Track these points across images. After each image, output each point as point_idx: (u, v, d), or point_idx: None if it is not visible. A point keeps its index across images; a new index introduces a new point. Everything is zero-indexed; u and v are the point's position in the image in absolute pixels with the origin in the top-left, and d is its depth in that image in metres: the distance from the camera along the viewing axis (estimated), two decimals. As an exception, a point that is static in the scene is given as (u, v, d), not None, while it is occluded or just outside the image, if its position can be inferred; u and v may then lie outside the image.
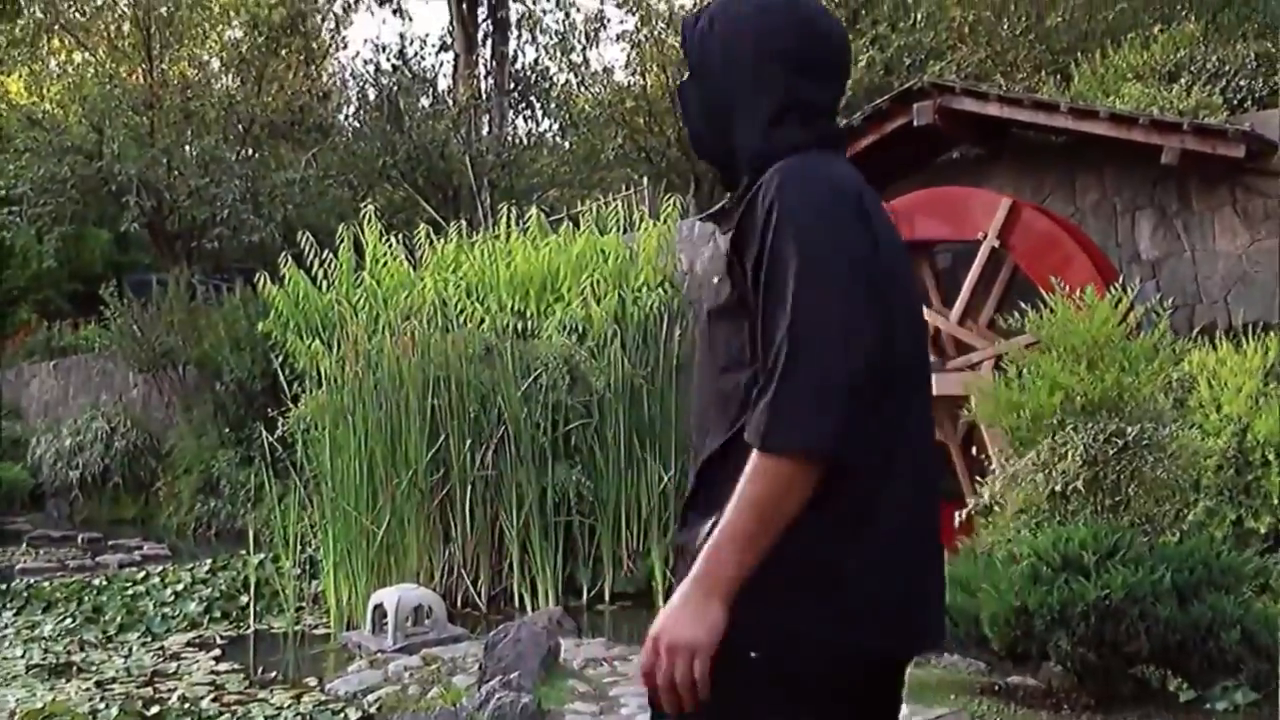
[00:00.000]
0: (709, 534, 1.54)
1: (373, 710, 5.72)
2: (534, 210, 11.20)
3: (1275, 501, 4.78)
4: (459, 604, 8.50)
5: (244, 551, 9.30)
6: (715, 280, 1.70)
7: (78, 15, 20.41)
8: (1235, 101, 8.26)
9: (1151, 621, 4.31)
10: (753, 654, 1.51)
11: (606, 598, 8.82)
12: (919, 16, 15.11)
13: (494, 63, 21.95)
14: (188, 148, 18.78)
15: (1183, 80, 8.38)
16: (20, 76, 21.22)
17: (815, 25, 1.69)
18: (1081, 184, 8.00)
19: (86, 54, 20.48)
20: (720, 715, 1.53)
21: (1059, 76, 10.84)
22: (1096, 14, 13.14)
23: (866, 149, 8.48)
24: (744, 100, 1.67)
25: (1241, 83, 8.46)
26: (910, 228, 8.25)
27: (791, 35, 1.67)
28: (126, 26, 19.68)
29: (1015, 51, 13.36)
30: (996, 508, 5.33)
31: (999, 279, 8.08)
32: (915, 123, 8.05)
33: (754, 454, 1.48)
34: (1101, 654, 4.42)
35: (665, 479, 9.12)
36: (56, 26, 20.69)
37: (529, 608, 8.40)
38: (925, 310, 8.13)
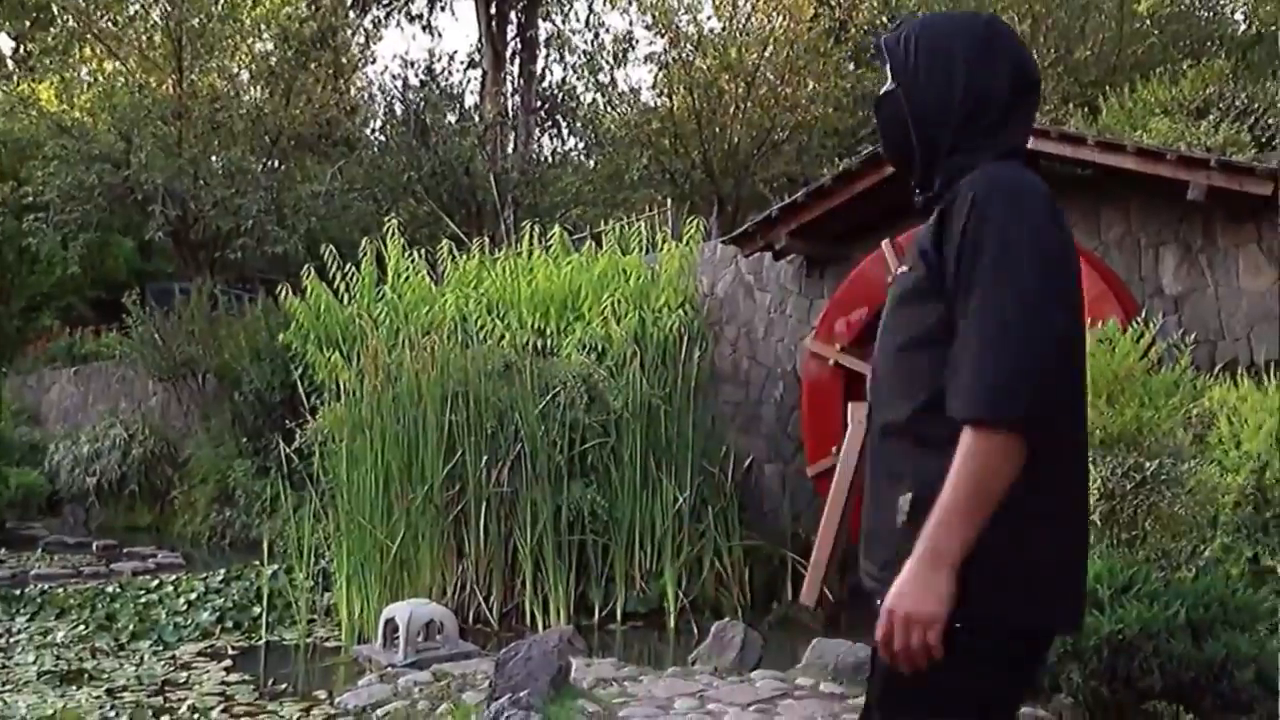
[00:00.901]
0: (909, 513, 1.70)
1: (382, 725, 5.71)
2: (557, 228, 11.24)
3: (1295, 541, 4.74)
4: (471, 620, 8.49)
5: (258, 562, 9.33)
6: (904, 269, 1.85)
7: (110, 25, 20.65)
8: (1263, 139, 8.26)
9: (1165, 657, 4.27)
10: (957, 625, 1.67)
11: (618, 617, 8.80)
12: (945, 45, 15.14)
13: (521, 81, 22.09)
14: (214, 158, 18.94)
15: (1211, 116, 8.38)
16: (51, 84, 21.48)
17: (1010, 45, 1.90)
18: (1106, 217, 7.98)
19: (117, 63, 20.70)
20: (925, 677, 1.70)
21: (1086, 109, 10.84)
22: (1126, 48, 13.15)
23: (891, 177, 8.49)
24: (945, 111, 1.85)
25: (1270, 120, 8.45)
26: (918, 260, 8.26)
27: (990, 54, 1.87)
28: (158, 37, 19.89)
29: (1044, 83, 13.36)
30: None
31: None
32: (940, 151, 8.04)
33: (968, 431, 1.63)
34: (1114, 688, 4.38)
35: (680, 500, 9.10)
36: (88, 35, 20.94)
37: (540, 625, 8.38)
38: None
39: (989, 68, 1.86)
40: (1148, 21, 12.62)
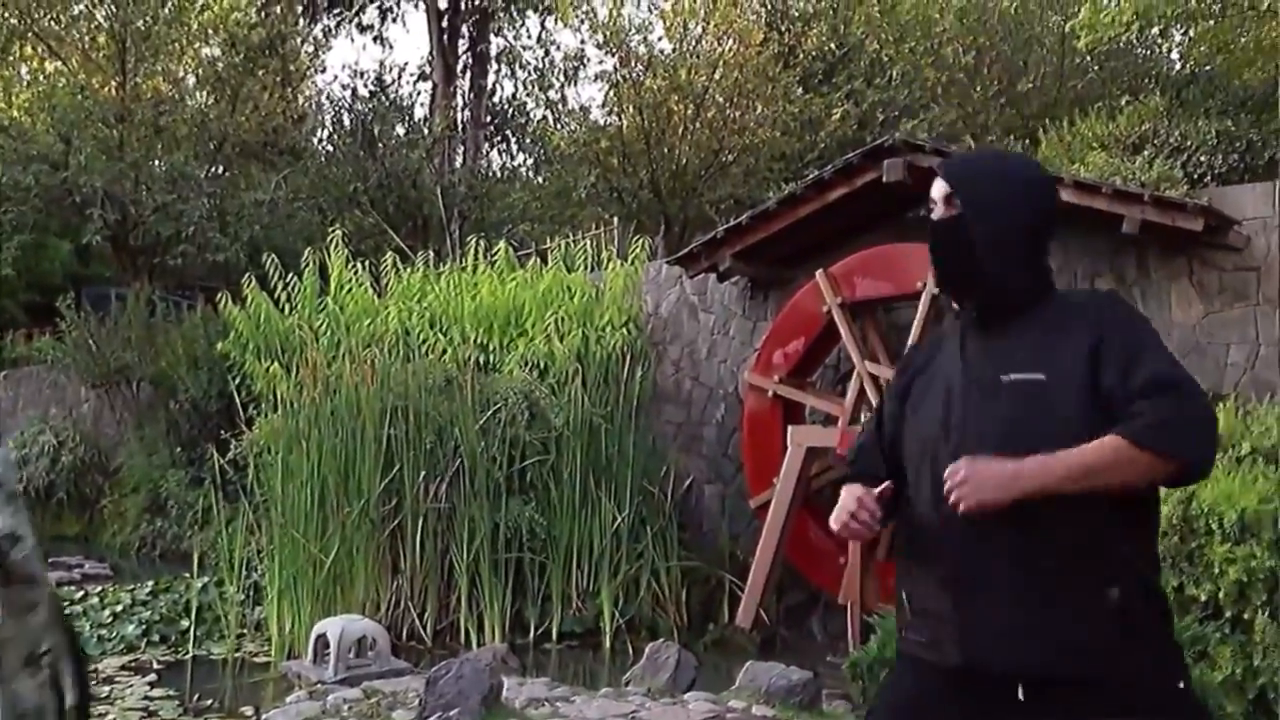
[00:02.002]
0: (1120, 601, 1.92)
1: (309, 743, 5.61)
2: (503, 244, 11.20)
3: (1216, 570, 4.83)
4: (404, 637, 8.39)
5: (188, 574, 9.15)
6: (1011, 377, 2.00)
7: (52, 24, 20.24)
8: (1195, 176, 8.45)
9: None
10: (1180, 685, 1.97)
11: (554, 636, 8.75)
12: (894, 74, 15.37)
13: (472, 95, 22.06)
14: (157, 163, 18.62)
15: (1146, 152, 8.56)
16: (-10, 82, 21.02)
17: (1053, 185, 2.19)
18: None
19: (59, 63, 20.30)
20: None
21: (1028, 141, 11.05)
22: (1066, 82, 13.42)
23: (836, 201, 8.58)
24: (1018, 244, 2.05)
25: (1202, 158, 8.66)
26: (851, 289, 8.38)
27: (1048, 193, 2.14)
28: (102, 38, 19.52)
29: (986, 114, 13.61)
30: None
31: (945, 322, 8.19)
32: (885, 178, 8.15)
33: (1129, 442, 1.85)
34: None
35: (619, 519, 9.08)
36: (29, 34, 20.51)
37: (475, 643, 8.31)
38: (874, 367, 8.31)
39: (1048, 208, 2.12)
40: (1088, 57, 12.92)
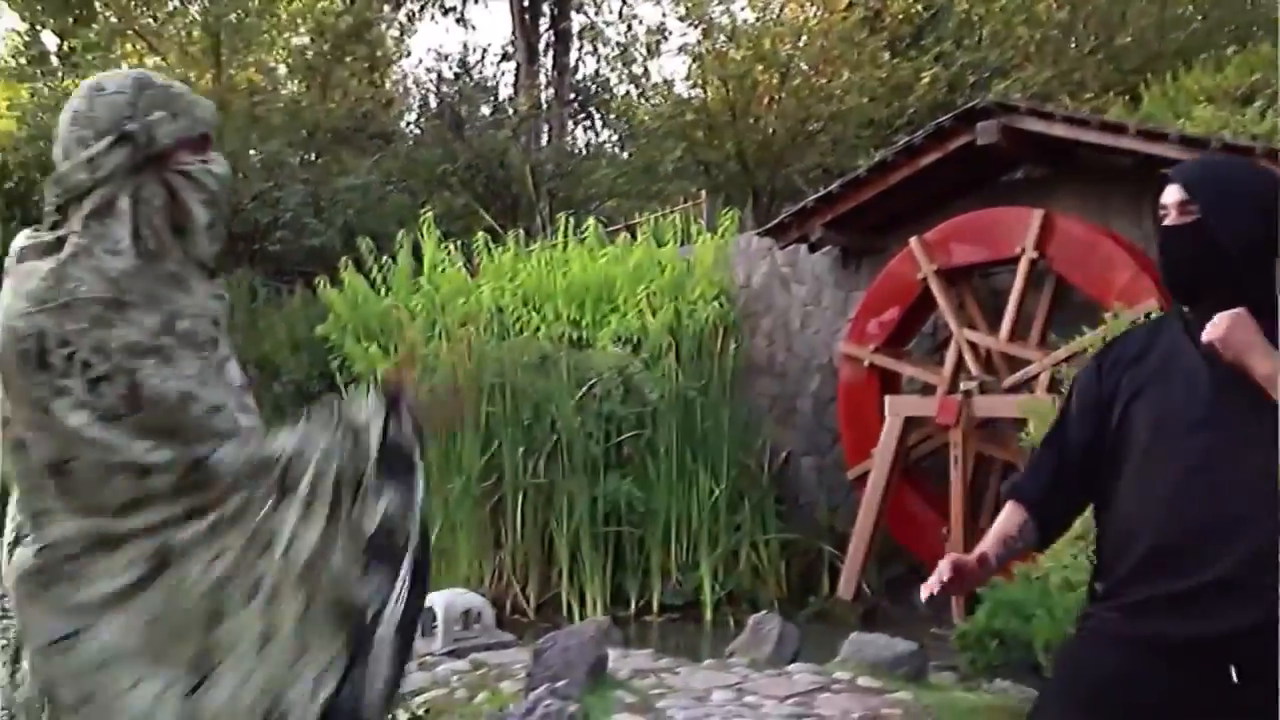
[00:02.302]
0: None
1: (420, 712, 5.75)
2: (591, 221, 11.26)
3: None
4: (508, 610, 8.55)
5: (297, 551, 9.41)
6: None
7: (150, 21, 20.85)
8: (1310, 126, 8.10)
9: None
10: None
11: (654, 609, 8.82)
12: (984, 34, 15.00)
13: (555, 73, 22.12)
14: (253, 152, 19.08)
15: (1256, 104, 8.24)
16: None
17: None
18: (1149, 207, 7.82)
19: (158, 59, 20.91)
20: None
21: (1128, 97, 10.70)
22: (1168, 34, 12.95)
23: (928, 167, 8.43)
24: (1256, 249, 2.04)
25: (1316, 107, 8.29)
26: (947, 256, 8.23)
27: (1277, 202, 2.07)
28: (196, 32, 20.04)
29: (1083, 71, 13.21)
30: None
31: (1044, 293, 8.03)
32: (978, 142, 7.99)
33: None
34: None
35: (716, 492, 9.10)
36: (129, 32, 21.15)
37: (577, 617, 8.42)
38: (972, 334, 8.17)
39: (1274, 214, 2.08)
40: (1190, 7, 12.44)
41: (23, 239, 1.70)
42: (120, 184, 1.64)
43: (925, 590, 2.14)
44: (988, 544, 2.19)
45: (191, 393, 1.62)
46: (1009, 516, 2.21)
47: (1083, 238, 7.49)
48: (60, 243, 1.63)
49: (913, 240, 8.33)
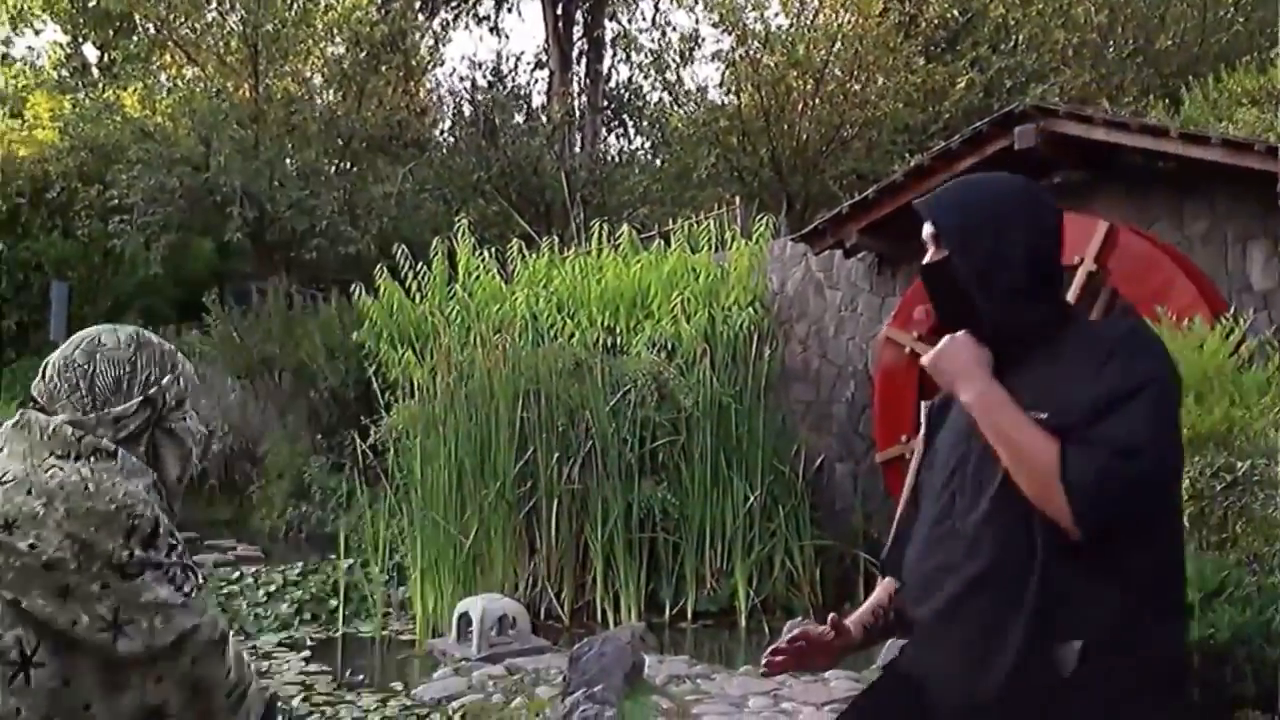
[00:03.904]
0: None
1: (457, 717, 5.77)
2: (625, 227, 11.26)
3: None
4: (542, 616, 8.55)
5: (334, 556, 9.48)
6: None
7: (189, 32, 21.11)
8: (1355, 128, 7.98)
9: (1258, 664, 4.15)
10: None
11: (689, 616, 8.80)
12: (1021, 39, 14.90)
13: (588, 80, 22.19)
14: (289, 160, 19.26)
15: (1300, 106, 8.12)
16: (134, 91, 22.01)
17: (1050, 204, 2.03)
18: (1190, 211, 7.78)
19: (196, 69, 21.16)
20: None
21: (1168, 101, 10.58)
22: (1209, 37, 12.81)
23: (965, 171, 8.37)
24: (1014, 278, 1.90)
25: (1362, 109, 8.16)
26: (1005, 252, 8.12)
27: (1043, 214, 1.99)
28: (234, 43, 20.28)
29: (1122, 75, 13.09)
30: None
31: (1097, 305, 7.91)
32: (1016, 146, 7.92)
33: (1059, 457, 1.74)
34: (1204, 695, 4.27)
35: (751, 498, 9.07)
36: (169, 43, 21.43)
37: (611, 623, 8.41)
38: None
39: (1051, 230, 1.98)
40: (1232, 9, 12.28)
41: (69, 429, 1.72)
42: (133, 442, 1.74)
43: (764, 657, 2.07)
44: (856, 616, 2.11)
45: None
46: (883, 587, 2.14)
47: (1144, 255, 7.32)
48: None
49: None
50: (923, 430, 2.20)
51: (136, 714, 1.66)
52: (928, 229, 1.99)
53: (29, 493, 1.62)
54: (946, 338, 1.92)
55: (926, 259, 2.00)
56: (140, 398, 1.75)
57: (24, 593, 1.58)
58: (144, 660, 1.64)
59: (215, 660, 1.73)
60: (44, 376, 1.77)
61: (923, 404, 8.23)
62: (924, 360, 1.95)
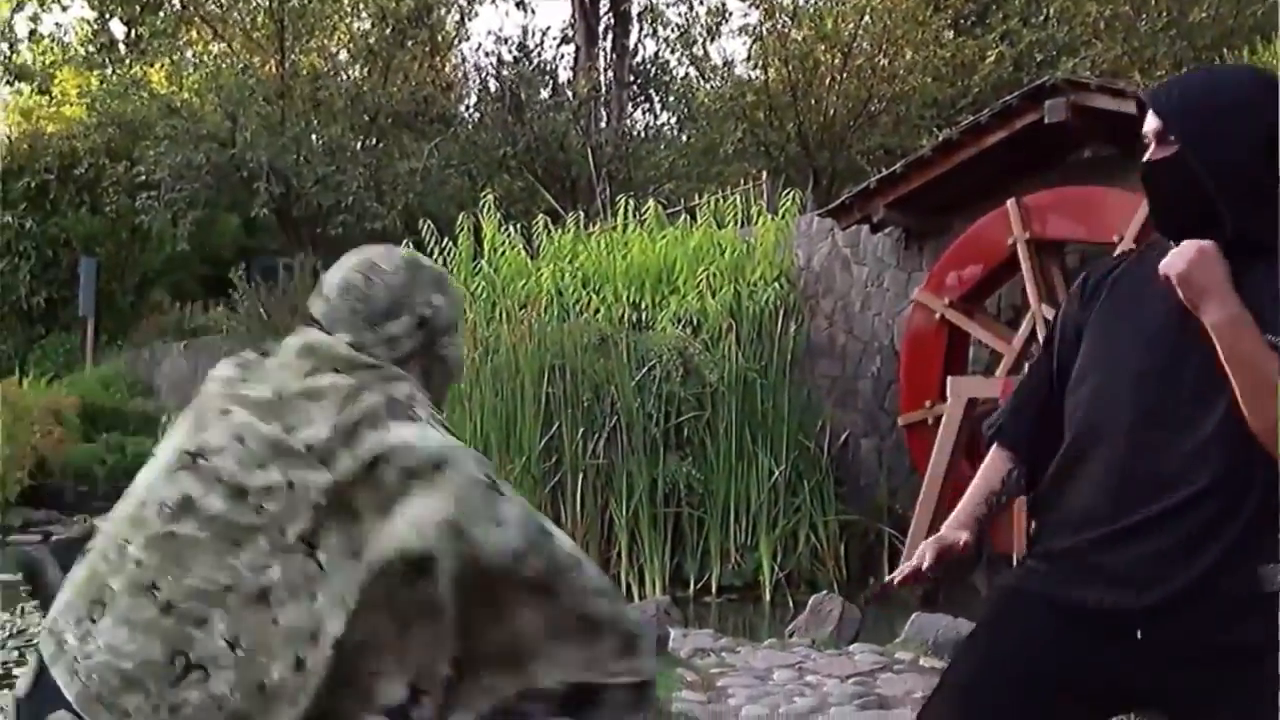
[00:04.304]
0: None
1: (483, 688, 5.82)
2: (651, 202, 11.24)
3: None
4: (567, 590, 8.59)
5: (360, 529, 9.56)
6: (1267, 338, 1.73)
7: (215, 8, 21.17)
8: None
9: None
10: None
11: (713, 590, 8.83)
12: (1051, 11, 14.71)
13: (614, 55, 22.07)
14: (315, 136, 19.31)
15: (1337, 78, 7.97)
16: (161, 67, 22.11)
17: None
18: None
19: (223, 45, 21.22)
20: None
21: (1200, 74, 10.41)
22: (1244, 9, 12.60)
23: (993, 146, 8.29)
24: (1253, 171, 1.73)
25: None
26: (1042, 225, 8.05)
27: (1271, 101, 1.74)
28: (260, 18, 20.30)
29: (1154, 48, 12.91)
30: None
31: None
32: (1046, 120, 7.83)
33: None
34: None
35: (776, 473, 9.07)
36: (195, 19, 21.49)
37: (636, 597, 8.45)
38: (1050, 311, 7.99)
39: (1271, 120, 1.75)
40: (1269, -20, 12.09)
41: (375, 383, 1.70)
42: (407, 363, 1.76)
43: (897, 576, 1.96)
44: (969, 508, 1.96)
45: None
46: (992, 466, 1.99)
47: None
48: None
49: (1010, 202, 8.13)
50: (1065, 310, 2.00)
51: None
52: (1151, 123, 1.82)
53: (308, 397, 1.64)
54: (1190, 243, 1.71)
55: (1150, 155, 1.83)
56: (416, 318, 1.77)
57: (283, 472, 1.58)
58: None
59: (483, 520, 1.62)
60: (324, 297, 1.80)
61: (949, 385, 8.18)
62: (1166, 266, 1.72)
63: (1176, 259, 1.71)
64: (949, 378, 8.30)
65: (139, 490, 1.66)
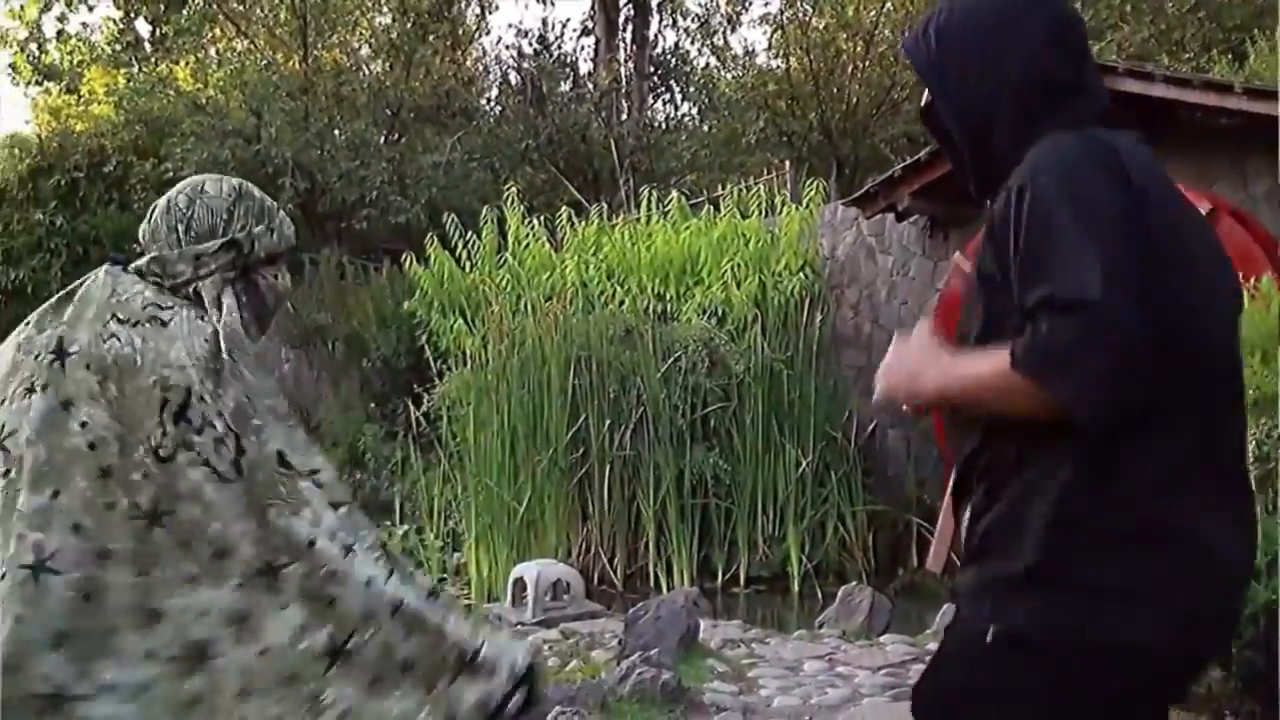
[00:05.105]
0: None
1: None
2: (674, 193, 11.22)
3: None
4: (595, 582, 8.62)
5: (389, 523, 9.62)
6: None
7: (238, 5, 21.29)
8: None
9: (1326, 629, 4.08)
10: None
11: (741, 581, 8.83)
12: (1076, -6, 14.56)
13: (635, 46, 22.03)
14: (339, 131, 19.38)
15: (1370, 58, 7.88)
16: (186, 64, 22.23)
17: (1047, 13, 1.59)
18: (1254, 169, 7.59)
19: (247, 42, 21.32)
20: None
21: (1231, 56, 10.31)
22: (1272, -11, 12.43)
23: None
24: (995, 103, 1.56)
25: None
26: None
27: (1029, 29, 1.56)
28: (283, 15, 20.39)
29: (1182, 30, 12.77)
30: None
31: None
32: (1073, 104, 7.75)
33: (1010, 363, 1.46)
34: (1270, 659, 4.22)
35: (803, 464, 9.06)
36: (219, 16, 21.61)
37: (664, 588, 8.45)
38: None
39: (1029, 34, 1.55)
40: (1298, -40, 11.92)
41: (141, 287, 1.77)
42: (216, 282, 1.79)
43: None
44: None
45: (284, 454, 1.70)
46: None
47: (1239, 242, 7.06)
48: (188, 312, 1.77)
49: None
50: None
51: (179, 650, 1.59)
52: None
53: (88, 368, 1.66)
54: (884, 365, 1.66)
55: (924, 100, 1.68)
56: (228, 242, 1.79)
57: (65, 482, 1.59)
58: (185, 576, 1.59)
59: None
60: (149, 218, 1.85)
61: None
62: (874, 401, 1.69)
63: (880, 382, 1.65)
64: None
65: None
